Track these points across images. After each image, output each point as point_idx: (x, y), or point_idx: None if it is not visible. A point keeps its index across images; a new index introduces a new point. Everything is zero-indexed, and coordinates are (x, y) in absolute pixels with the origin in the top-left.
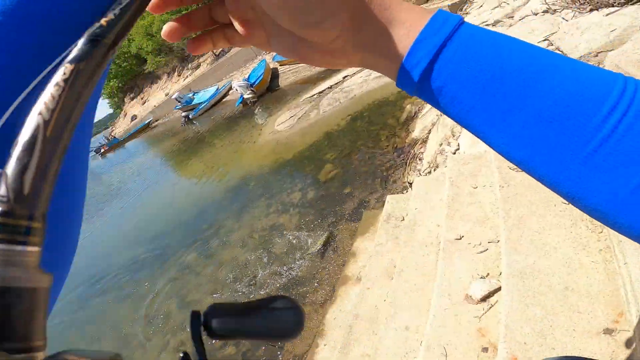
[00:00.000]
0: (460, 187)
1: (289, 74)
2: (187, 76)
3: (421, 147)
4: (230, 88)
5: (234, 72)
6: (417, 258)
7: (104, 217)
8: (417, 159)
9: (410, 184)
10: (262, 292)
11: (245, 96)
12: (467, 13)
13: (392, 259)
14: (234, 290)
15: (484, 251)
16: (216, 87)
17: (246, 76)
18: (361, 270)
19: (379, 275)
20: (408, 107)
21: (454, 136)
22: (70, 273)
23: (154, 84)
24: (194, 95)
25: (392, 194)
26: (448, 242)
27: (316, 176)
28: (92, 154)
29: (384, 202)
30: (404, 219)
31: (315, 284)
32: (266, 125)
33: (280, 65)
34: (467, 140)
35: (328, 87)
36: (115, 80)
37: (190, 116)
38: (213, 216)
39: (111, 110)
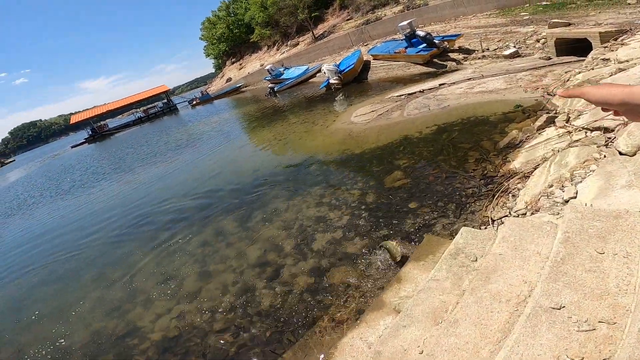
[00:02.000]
0: (578, 247)
1: (381, 69)
2: (284, 52)
3: (519, 182)
4: (319, 71)
5: (326, 57)
6: (481, 312)
7: (175, 162)
8: (510, 195)
9: (493, 220)
10: (278, 290)
11: (331, 81)
12: (623, 44)
13: (446, 301)
14: (254, 277)
15: (589, 331)
16: (307, 67)
17: (338, 62)
18: (402, 301)
19: (424, 315)
20: (514, 132)
21: (571, 180)
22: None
23: (254, 53)
24: (284, 70)
25: (467, 225)
26: (539, 308)
27: (381, 180)
28: (185, 104)
29: (454, 232)
30: (476, 260)
31: (344, 299)
32: (343, 113)
33: (374, 59)
34: (594, 189)
35: (420, 91)
36: (224, 43)
37: (275, 89)
38: (266, 189)
39: (213, 70)
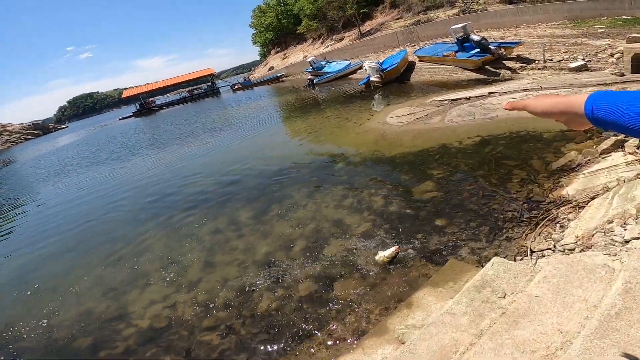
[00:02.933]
0: None
1: (425, 72)
2: (328, 45)
3: (570, 212)
4: (361, 67)
5: (370, 54)
6: None
7: (208, 144)
8: (557, 225)
9: (532, 252)
10: (278, 293)
11: (372, 78)
12: None
13: (458, 340)
14: (257, 274)
15: None
16: (349, 62)
17: (381, 60)
18: (408, 331)
19: (429, 353)
20: (572, 153)
21: (637, 218)
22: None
23: (298, 44)
24: (326, 63)
25: (500, 254)
26: None
27: (410, 189)
28: (227, 88)
29: (484, 259)
30: (504, 297)
31: (345, 315)
32: (379, 113)
33: (419, 61)
34: None
35: (466, 97)
36: (271, 32)
37: (315, 81)
38: (288, 181)
39: (258, 58)
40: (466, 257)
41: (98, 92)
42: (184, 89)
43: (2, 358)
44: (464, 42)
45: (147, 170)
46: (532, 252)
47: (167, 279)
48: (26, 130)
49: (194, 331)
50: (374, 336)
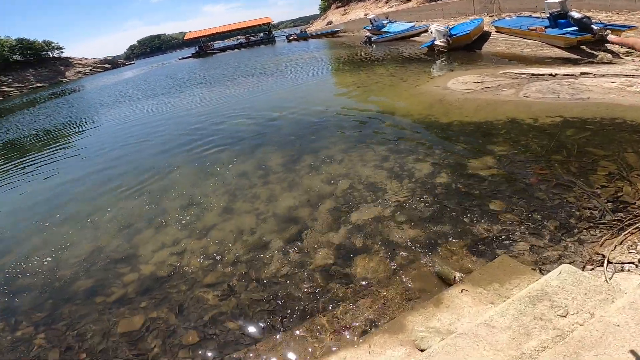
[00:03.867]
0: None
1: (502, 43)
2: (392, 5)
3: None
4: (425, 31)
5: (439, 19)
6: None
7: (255, 86)
8: None
9: (609, 262)
10: (291, 257)
11: (437, 42)
12: None
13: None
14: (273, 231)
15: None
16: (412, 24)
17: (451, 26)
18: (429, 336)
19: None
20: None
21: None
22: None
23: (360, 1)
24: (388, 23)
25: (565, 258)
26: None
27: (465, 161)
28: (283, 38)
29: (544, 261)
30: (566, 316)
31: (357, 301)
32: (440, 77)
33: (496, 31)
34: None
35: (550, 74)
36: None
37: (372, 39)
38: (327, 132)
39: (318, 12)
40: (522, 255)
41: (165, 34)
42: (242, 36)
43: (5, 293)
44: (558, 19)
45: (191, 106)
46: (608, 262)
47: (183, 222)
48: (97, 64)
49: (193, 286)
50: (386, 333)
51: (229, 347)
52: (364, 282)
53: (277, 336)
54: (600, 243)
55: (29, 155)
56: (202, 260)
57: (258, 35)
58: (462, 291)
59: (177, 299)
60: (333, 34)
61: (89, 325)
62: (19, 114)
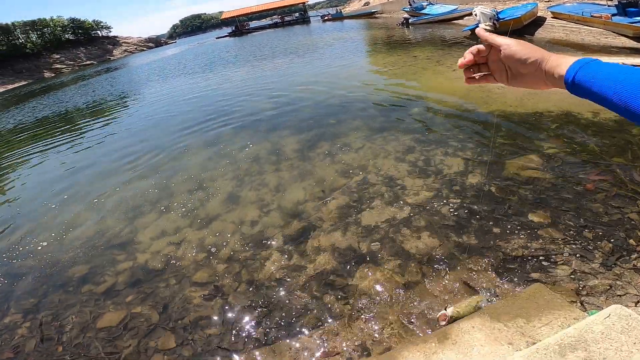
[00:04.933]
0: None
1: (559, 30)
2: None
3: None
4: (470, 14)
5: (485, 2)
6: None
7: (281, 67)
8: None
9: None
10: (291, 258)
11: (481, 25)
12: None
13: None
14: (276, 226)
15: None
16: (456, 6)
17: (499, 10)
18: None
19: None
20: None
21: None
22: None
23: None
24: (428, 4)
25: (616, 290)
26: None
27: (503, 160)
28: (317, 18)
29: (591, 292)
30: None
31: (350, 321)
32: None
33: (552, 17)
34: None
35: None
36: None
37: (410, 20)
38: (349, 116)
39: None
40: (560, 283)
41: (205, 14)
42: (277, 16)
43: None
44: (628, 7)
45: (218, 84)
46: None
47: (186, 208)
48: (142, 43)
49: (182, 282)
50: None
51: (203, 358)
52: (364, 299)
53: (257, 353)
54: None
55: (60, 131)
56: (197, 253)
57: (293, 15)
58: (473, 327)
59: (163, 295)
60: (369, 15)
61: (72, 317)
62: (66, 90)
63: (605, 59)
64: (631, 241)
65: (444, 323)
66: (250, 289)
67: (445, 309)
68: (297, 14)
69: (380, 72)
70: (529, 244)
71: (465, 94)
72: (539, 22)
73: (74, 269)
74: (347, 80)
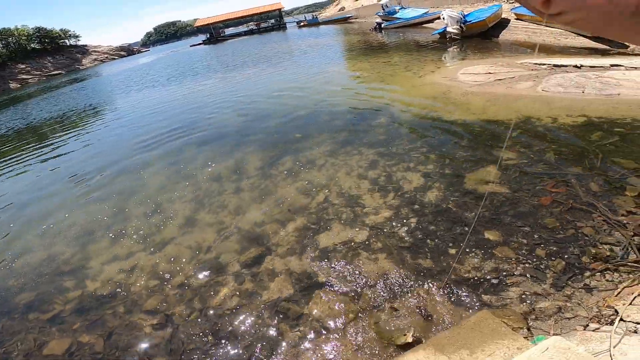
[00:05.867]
0: None
1: (521, 31)
2: None
3: None
4: (439, 17)
5: (454, 5)
6: None
7: (259, 74)
8: None
9: (622, 320)
10: (243, 286)
11: (449, 29)
12: None
13: None
14: (230, 251)
15: None
16: (426, 10)
17: (466, 12)
18: None
19: None
20: None
21: None
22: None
23: None
24: (400, 9)
25: (567, 312)
26: None
27: (462, 173)
28: (293, 24)
29: (537, 316)
30: None
31: (295, 353)
32: (449, 67)
33: (516, 18)
34: None
35: (575, 66)
36: None
37: (383, 25)
38: (314, 129)
39: None
40: (509, 306)
41: (180, 21)
42: (253, 22)
43: None
44: None
45: (185, 96)
46: (621, 320)
47: (141, 232)
48: (113, 51)
49: (132, 310)
50: None
51: None
52: (314, 328)
53: None
54: (616, 293)
55: (13, 149)
56: (149, 280)
57: (269, 22)
58: None
59: (111, 324)
60: (344, 20)
61: (17, 344)
62: (31, 102)
63: (566, 60)
64: (584, 258)
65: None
66: (202, 318)
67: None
68: (272, 21)
69: (348, 80)
70: (482, 265)
71: (431, 101)
72: (503, 23)
73: (21, 295)
74: (315, 90)
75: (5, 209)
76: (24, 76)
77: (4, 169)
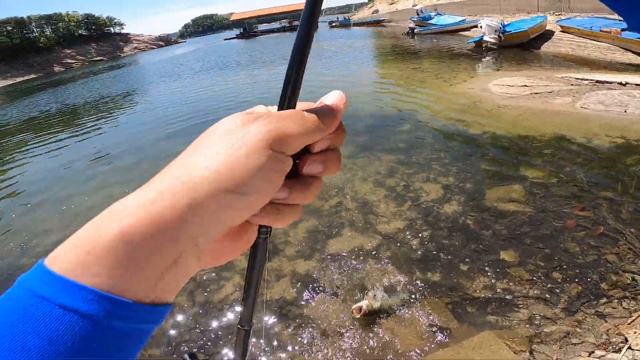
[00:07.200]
0: None
1: (566, 44)
2: None
3: None
4: (476, 26)
5: (494, 15)
6: None
7: (275, 72)
8: None
9: (630, 349)
10: (199, 309)
11: (486, 37)
12: None
13: None
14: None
15: None
16: (463, 18)
17: (507, 22)
18: None
19: None
20: None
21: None
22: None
23: None
24: (435, 15)
25: (575, 338)
26: None
27: (484, 189)
28: (326, 24)
29: (543, 340)
30: None
31: None
32: (482, 77)
33: (561, 31)
34: None
35: (620, 83)
36: None
37: (416, 30)
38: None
39: (366, 0)
40: (516, 326)
41: (217, 14)
42: (286, 20)
43: None
44: None
45: (208, 88)
46: (629, 348)
47: None
48: (152, 41)
49: None
50: None
51: None
52: (310, 332)
53: None
54: (629, 320)
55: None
56: None
57: None
58: None
59: None
60: (377, 22)
61: None
62: (67, 86)
63: (611, 76)
64: (603, 285)
65: (358, 316)
66: (202, 310)
67: (362, 301)
68: None
69: (379, 82)
70: (494, 284)
71: (461, 110)
72: (547, 36)
73: None
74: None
75: (30, 191)
76: (69, 60)
77: (48, 144)
